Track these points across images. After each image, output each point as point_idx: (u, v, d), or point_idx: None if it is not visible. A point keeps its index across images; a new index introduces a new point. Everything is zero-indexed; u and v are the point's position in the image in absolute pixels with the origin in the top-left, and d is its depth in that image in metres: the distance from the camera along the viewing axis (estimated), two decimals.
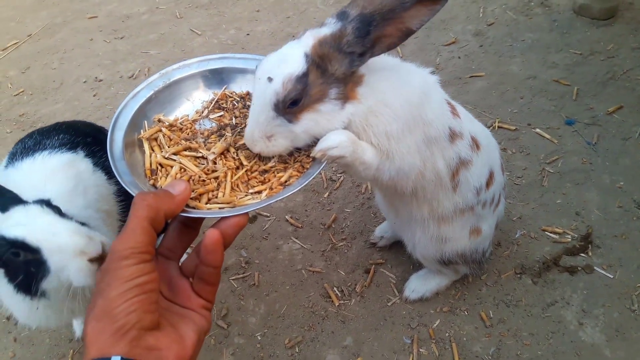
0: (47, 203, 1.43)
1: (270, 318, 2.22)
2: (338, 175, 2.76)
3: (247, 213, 1.15)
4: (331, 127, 1.34)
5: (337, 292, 2.27)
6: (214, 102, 1.53)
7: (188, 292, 1.12)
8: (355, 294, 2.26)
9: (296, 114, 1.29)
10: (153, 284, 0.96)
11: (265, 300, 2.28)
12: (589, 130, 2.80)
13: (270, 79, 1.25)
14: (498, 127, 2.87)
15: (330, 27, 1.31)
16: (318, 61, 1.27)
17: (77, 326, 2.26)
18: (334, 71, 1.28)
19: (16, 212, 1.38)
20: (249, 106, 1.49)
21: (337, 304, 2.22)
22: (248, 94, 1.57)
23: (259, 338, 2.16)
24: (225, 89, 1.58)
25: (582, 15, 3.57)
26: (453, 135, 1.59)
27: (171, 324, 1.02)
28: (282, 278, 2.35)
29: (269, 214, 2.61)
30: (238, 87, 1.59)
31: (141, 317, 0.92)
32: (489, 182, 1.82)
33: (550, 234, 2.37)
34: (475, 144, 1.71)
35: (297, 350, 2.10)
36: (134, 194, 1.12)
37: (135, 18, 4.30)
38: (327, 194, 2.69)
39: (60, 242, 1.33)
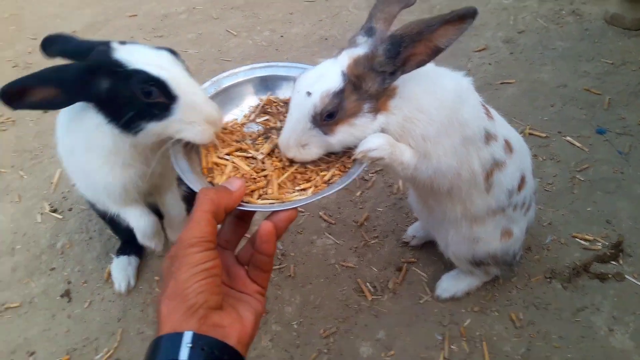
0: (176, 54, 1.52)
1: (305, 308, 2.30)
2: (370, 175, 2.83)
3: (296, 208, 1.27)
4: (364, 137, 1.44)
5: (369, 287, 2.34)
6: (260, 107, 1.67)
7: (244, 279, 1.26)
8: (387, 290, 2.32)
9: (331, 126, 1.41)
10: (217, 269, 1.08)
11: (300, 291, 2.36)
12: (620, 140, 2.84)
13: (309, 93, 1.37)
14: (529, 134, 2.91)
15: (362, 46, 1.43)
16: (353, 79, 1.38)
17: (117, 280, 2.42)
18: (367, 88, 1.40)
19: (145, 50, 1.47)
20: None
21: (370, 299, 2.29)
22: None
23: (295, 327, 2.24)
24: (270, 94, 1.70)
25: (614, 25, 3.60)
26: (488, 137, 1.66)
27: (231, 306, 1.14)
28: (317, 271, 2.43)
29: (303, 210, 2.69)
30: (282, 93, 1.71)
31: (208, 297, 1.03)
32: (520, 186, 1.88)
33: (581, 241, 2.41)
34: (509, 147, 1.78)
35: (331, 340, 2.17)
36: (196, 190, 1.26)
37: (173, 17, 4.40)
38: (360, 192, 2.76)
39: (198, 101, 1.44)
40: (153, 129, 1.46)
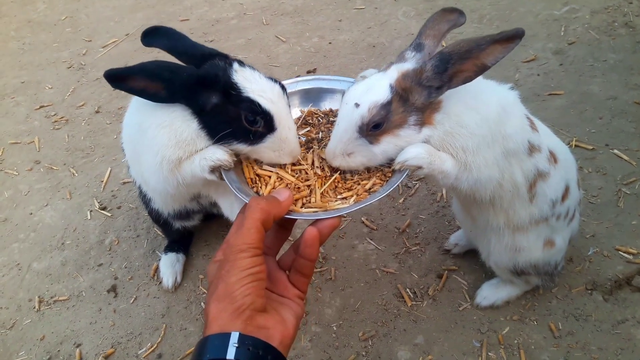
0: (285, 89, 1.57)
1: (345, 311, 2.34)
2: (414, 182, 2.86)
3: (340, 216, 1.33)
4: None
5: (409, 293, 2.37)
6: (302, 119, 1.74)
7: (285, 283, 1.32)
8: (427, 296, 2.35)
9: (377, 137, 1.47)
10: (263, 274, 1.14)
11: (340, 294, 2.41)
12: None
13: (357, 105, 1.43)
14: (575, 145, 2.88)
15: (411, 62, 1.49)
16: (401, 92, 1.45)
17: (166, 276, 2.51)
18: (414, 101, 1.46)
19: (261, 81, 1.51)
20: (332, 122, 1.70)
21: (409, 304, 2.32)
22: (331, 111, 1.78)
23: (335, 328, 2.28)
24: (311, 106, 1.77)
25: None
26: (532, 149, 1.69)
27: (274, 309, 1.20)
28: (357, 275, 2.47)
29: (345, 216, 2.74)
30: (325, 105, 1.80)
31: (254, 300, 1.10)
32: (564, 196, 1.89)
33: (624, 254, 2.38)
34: (553, 158, 1.80)
35: (370, 343, 2.21)
36: (245, 200, 1.33)
37: (224, 22, 4.52)
38: (402, 199, 2.79)
39: (289, 137, 1.51)
40: (239, 148, 1.53)
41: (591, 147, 2.87)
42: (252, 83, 1.48)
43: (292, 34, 4.24)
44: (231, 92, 1.46)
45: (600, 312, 2.20)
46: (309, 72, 3.72)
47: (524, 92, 3.29)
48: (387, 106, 1.42)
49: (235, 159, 1.54)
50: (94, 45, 4.48)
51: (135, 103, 1.81)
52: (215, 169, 1.53)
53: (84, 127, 3.60)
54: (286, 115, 1.52)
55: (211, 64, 1.51)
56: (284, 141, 1.50)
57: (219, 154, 1.51)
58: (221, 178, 1.54)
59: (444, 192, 2.77)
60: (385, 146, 1.47)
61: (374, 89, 1.45)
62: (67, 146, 3.45)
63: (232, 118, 1.48)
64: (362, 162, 1.50)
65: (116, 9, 4.98)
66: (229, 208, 1.99)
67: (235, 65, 1.51)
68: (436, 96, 1.46)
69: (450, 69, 1.39)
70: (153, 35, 1.67)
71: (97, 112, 3.70)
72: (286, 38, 4.20)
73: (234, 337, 1.04)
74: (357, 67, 3.73)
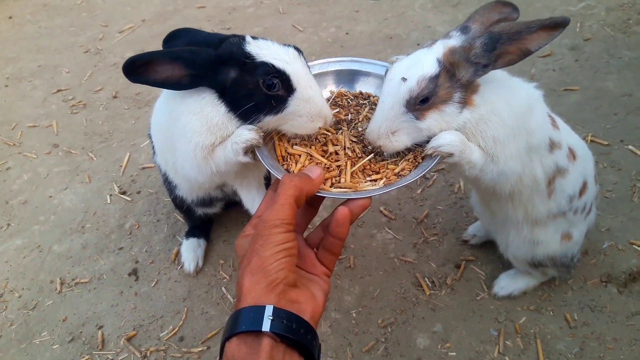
0: (301, 52, 1.58)
1: (364, 298, 2.38)
2: (432, 173, 2.89)
3: (371, 197, 1.33)
4: (447, 129, 1.51)
5: (427, 282, 2.40)
6: (331, 100, 1.74)
7: (313, 260, 1.34)
8: (445, 285, 2.39)
9: (423, 112, 1.47)
10: (295, 250, 1.16)
11: (359, 282, 2.44)
12: None
13: (404, 79, 1.44)
14: (590, 141, 2.91)
15: (457, 39, 1.51)
16: (448, 67, 1.45)
17: (187, 261, 2.54)
18: (460, 77, 1.47)
19: (274, 47, 1.52)
20: (362, 104, 1.72)
21: (428, 293, 2.35)
22: (361, 93, 1.78)
23: (354, 315, 2.32)
24: (341, 88, 1.78)
25: None
26: (552, 145, 1.73)
27: (304, 285, 1.23)
28: (376, 264, 2.51)
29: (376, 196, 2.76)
30: (359, 87, 1.80)
31: (287, 274, 1.12)
32: (582, 191, 1.93)
33: (638, 248, 2.41)
34: (572, 155, 1.84)
35: (389, 330, 2.25)
36: (278, 176, 1.35)
37: (241, 11, 4.53)
38: (420, 190, 2.82)
39: (313, 95, 1.50)
40: (269, 122, 1.53)
41: (606, 143, 2.89)
42: (264, 49, 1.49)
43: (309, 23, 4.26)
44: (246, 61, 1.47)
45: (615, 304, 2.24)
46: None
47: (539, 87, 3.32)
48: (435, 79, 1.43)
49: (264, 134, 1.54)
50: (111, 31, 4.50)
51: (165, 94, 1.84)
52: (248, 150, 1.54)
53: (102, 111, 3.62)
54: (305, 74, 1.51)
55: (226, 43, 1.53)
56: (309, 101, 1.49)
57: (247, 134, 1.51)
58: (255, 159, 1.55)
59: (461, 183, 2.81)
60: (430, 122, 1.48)
61: (420, 62, 1.46)
62: (85, 130, 3.48)
63: (252, 89, 1.48)
64: (406, 141, 1.50)
65: None
66: (251, 201, 2.00)
67: (248, 38, 1.53)
68: (482, 74, 1.47)
69: (498, 48, 1.40)
70: (172, 39, 1.69)
71: (114, 97, 3.73)
72: (303, 27, 4.21)
73: (269, 310, 1.05)
74: (374, 58, 3.63)
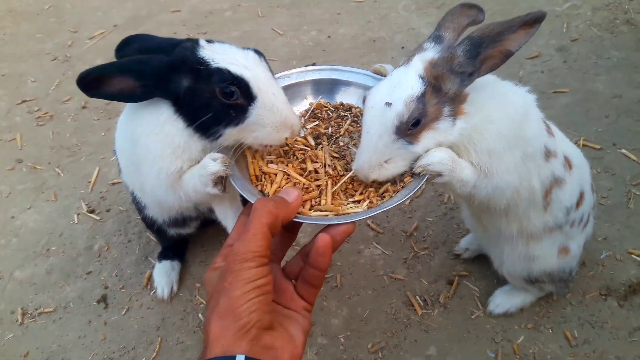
0: (263, 55, 1.48)
1: (352, 321, 2.24)
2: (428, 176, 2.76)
3: (355, 222, 1.21)
4: (445, 144, 1.41)
5: (419, 300, 2.28)
6: (310, 112, 1.62)
7: (291, 294, 1.21)
8: (438, 304, 2.26)
9: (416, 135, 1.35)
10: (270, 286, 1.03)
11: (347, 303, 2.30)
12: None
13: (388, 104, 1.31)
14: (583, 145, 2.82)
15: (433, 50, 1.41)
16: (433, 82, 1.34)
17: (160, 286, 2.37)
18: (447, 90, 1.36)
19: (231, 50, 1.42)
20: (343, 116, 1.61)
21: (420, 313, 2.22)
22: (342, 104, 1.66)
23: (342, 340, 2.18)
24: (321, 99, 1.64)
25: None
26: (548, 154, 1.63)
27: (281, 325, 1.09)
28: (364, 282, 2.37)
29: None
30: (339, 97, 1.68)
31: (261, 316, 0.98)
32: (579, 202, 1.84)
33: (637, 257, 2.33)
34: (568, 164, 1.74)
35: (380, 356, 2.12)
36: (250, 200, 1.23)
37: (218, 14, 4.36)
38: (409, 201, 2.69)
39: (276, 102, 1.39)
40: (231, 134, 1.42)
41: (599, 147, 2.80)
42: (220, 54, 1.38)
43: (289, 27, 4.10)
44: (200, 68, 1.36)
45: (616, 319, 2.15)
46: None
47: (530, 90, 3.24)
48: (422, 98, 1.31)
49: (230, 163, 1.40)
50: (80, 37, 4.28)
51: (126, 111, 1.72)
52: (218, 182, 1.42)
53: (70, 123, 3.42)
54: (266, 80, 1.40)
55: (179, 48, 1.42)
56: (272, 109, 1.38)
57: (212, 167, 1.39)
58: (226, 190, 1.44)
59: (451, 195, 2.68)
60: (426, 143, 1.36)
61: (402, 83, 1.34)
62: (51, 144, 3.27)
63: (208, 98, 1.37)
64: (403, 166, 1.38)
65: None
66: (224, 215, 1.85)
67: (202, 42, 1.42)
68: (468, 83, 1.36)
69: (482, 53, 1.31)
70: (125, 47, 1.59)
71: (83, 107, 3.53)
72: (283, 31, 4.06)
73: None
74: (358, 62, 3.62)
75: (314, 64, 3.58)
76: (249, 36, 4.06)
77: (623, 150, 2.77)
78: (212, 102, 1.37)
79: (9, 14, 4.69)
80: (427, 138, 1.36)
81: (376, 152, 1.33)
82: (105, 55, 4.00)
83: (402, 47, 3.71)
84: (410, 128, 1.32)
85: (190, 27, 4.21)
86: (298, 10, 4.30)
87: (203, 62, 1.36)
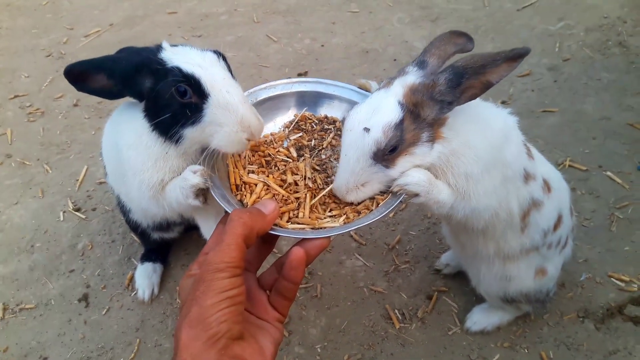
0: (223, 56, 1.48)
1: (330, 332, 2.24)
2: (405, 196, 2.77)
3: (330, 237, 1.24)
4: (421, 166, 1.43)
5: (398, 314, 2.28)
6: (294, 123, 1.63)
7: (265, 305, 1.22)
8: (416, 318, 2.27)
9: (393, 160, 1.37)
10: (242, 297, 1.04)
11: (326, 313, 2.31)
12: None
13: (367, 129, 1.33)
14: (569, 165, 2.84)
15: (415, 75, 1.42)
16: (412, 108, 1.36)
17: (142, 288, 2.38)
18: (425, 117, 1.37)
19: (190, 51, 1.43)
20: (327, 129, 1.64)
21: (397, 327, 2.23)
22: (326, 117, 1.68)
23: (319, 350, 2.19)
24: (305, 111, 1.66)
25: None
26: (527, 177, 1.64)
27: (252, 335, 1.10)
28: (344, 293, 2.38)
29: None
30: (323, 110, 1.69)
31: (231, 327, 0.99)
32: (556, 225, 1.85)
33: (616, 281, 2.33)
34: (547, 187, 1.76)
35: None
36: (228, 209, 1.24)
37: (213, 18, 4.36)
38: (393, 214, 2.70)
39: (231, 100, 1.37)
40: (190, 135, 1.42)
41: (584, 168, 2.82)
42: (178, 55, 1.39)
43: (284, 33, 4.11)
44: (158, 68, 1.37)
45: (592, 342, 2.16)
46: (299, 75, 3.60)
47: (518, 108, 3.29)
48: (400, 125, 1.33)
49: (210, 175, 1.41)
50: (76, 34, 4.28)
51: (112, 118, 1.76)
52: (198, 194, 1.42)
53: (61, 120, 3.42)
54: (221, 78, 1.39)
55: (145, 50, 1.45)
56: (226, 108, 1.36)
57: (192, 179, 1.39)
58: (207, 203, 1.45)
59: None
60: (402, 166, 1.38)
61: (381, 109, 1.35)
62: (41, 140, 3.27)
63: (165, 97, 1.37)
64: (379, 188, 1.40)
65: None
66: (209, 231, 1.86)
67: (165, 44, 1.44)
68: (447, 111, 1.38)
69: (463, 83, 1.32)
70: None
71: (75, 105, 3.53)
72: (277, 38, 4.06)
73: None
74: (350, 72, 3.63)
75: (305, 73, 3.60)
76: (243, 41, 4.07)
77: (608, 173, 2.79)
78: (169, 102, 1.38)
79: (6, 8, 4.69)
80: (403, 162, 1.38)
81: (353, 175, 1.35)
82: (99, 53, 3.80)
83: (394, 60, 3.72)
84: (387, 154, 1.34)
85: (185, 29, 4.22)
86: (293, 17, 4.31)
87: (162, 63, 1.37)
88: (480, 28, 3.94)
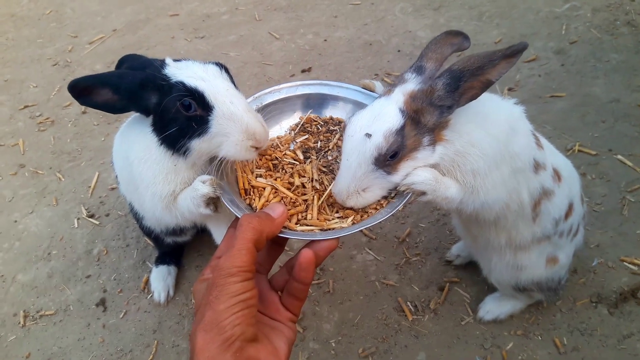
0: (225, 68, 1.51)
1: (344, 326, 2.26)
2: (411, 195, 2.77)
3: (338, 238, 1.25)
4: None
5: (410, 306, 2.30)
6: (300, 126, 1.65)
7: (277, 305, 1.25)
8: (428, 310, 2.28)
9: (394, 165, 1.39)
10: (254, 300, 1.06)
11: (339, 308, 2.33)
12: None
13: (368, 135, 1.35)
14: (578, 150, 2.82)
15: (414, 82, 1.43)
16: (412, 115, 1.38)
17: (157, 290, 2.42)
18: (426, 122, 1.39)
19: (193, 65, 1.46)
20: (332, 131, 1.65)
21: (410, 319, 2.25)
22: (331, 118, 1.69)
23: (334, 345, 2.21)
24: (310, 113, 1.68)
25: None
26: (537, 166, 1.64)
27: (265, 336, 1.12)
28: (356, 288, 2.39)
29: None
30: (328, 112, 1.71)
31: (245, 329, 1.01)
32: (567, 213, 1.85)
33: (629, 265, 2.32)
34: (557, 176, 1.75)
35: None
36: (237, 214, 1.27)
37: (215, 18, 4.37)
38: (402, 207, 2.68)
39: (235, 111, 1.40)
40: (198, 147, 1.44)
41: (594, 153, 2.80)
42: (181, 69, 1.42)
43: (286, 30, 4.11)
44: (162, 84, 1.40)
45: (606, 327, 2.15)
46: (303, 71, 3.61)
47: (525, 94, 3.27)
48: (401, 131, 1.35)
49: (220, 184, 1.43)
50: (80, 42, 4.33)
51: (121, 131, 1.79)
52: (209, 203, 1.45)
53: (71, 128, 3.47)
54: (224, 90, 1.41)
55: (150, 67, 1.47)
56: (231, 118, 1.39)
57: (202, 189, 1.41)
58: (218, 211, 1.47)
59: None
60: (404, 172, 1.40)
61: (383, 115, 1.36)
62: (52, 149, 3.33)
63: (172, 112, 1.40)
64: (381, 194, 1.42)
65: (103, 3, 4.81)
66: (221, 236, 1.89)
67: (168, 60, 1.47)
68: (447, 115, 1.39)
69: (462, 86, 1.33)
70: (120, 67, 1.64)
71: (84, 112, 3.57)
72: (280, 35, 4.07)
73: None
74: (354, 65, 3.63)
75: (309, 69, 3.60)
76: (246, 40, 4.07)
77: (619, 156, 2.77)
78: (175, 116, 1.40)
79: (10, 19, 4.75)
80: (405, 167, 1.39)
81: (354, 180, 1.36)
82: (104, 60, 4.05)
83: (399, 51, 3.71)
84: (388, 159, 1.35)
85: (187, 31, 4.24)
86: (295, 13, 4.31)
87: (166, 78, 1.40)
88: (485, 14, 3.91)
